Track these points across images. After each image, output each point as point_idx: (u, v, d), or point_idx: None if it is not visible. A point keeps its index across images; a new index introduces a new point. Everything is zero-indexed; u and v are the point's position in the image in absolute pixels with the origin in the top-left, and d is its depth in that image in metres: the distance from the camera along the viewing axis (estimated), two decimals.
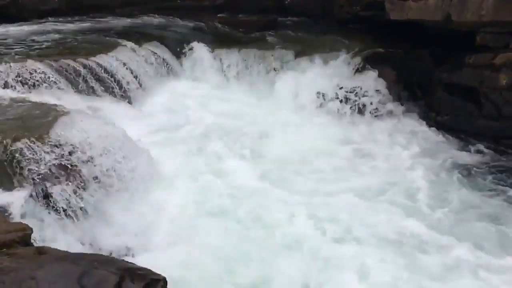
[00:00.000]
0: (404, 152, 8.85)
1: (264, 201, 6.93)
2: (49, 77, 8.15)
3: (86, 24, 11.66)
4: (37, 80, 8.01)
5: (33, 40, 9.93)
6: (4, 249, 3.60)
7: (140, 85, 9.52)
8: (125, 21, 12.09)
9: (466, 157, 8.78)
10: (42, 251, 3.65)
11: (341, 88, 10.00)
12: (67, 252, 3.86)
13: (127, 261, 3.92)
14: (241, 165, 7.88)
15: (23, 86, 7.86)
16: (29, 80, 7.95)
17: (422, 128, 9.68)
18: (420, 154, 8.79)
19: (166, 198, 6.74)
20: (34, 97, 7.54)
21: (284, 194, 7.18)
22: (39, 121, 6.30)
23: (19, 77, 7.92)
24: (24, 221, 4.52)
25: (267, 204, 6.88)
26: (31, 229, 4.02)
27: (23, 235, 3.88)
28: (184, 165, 7.56)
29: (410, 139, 9.31)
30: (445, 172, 8.23)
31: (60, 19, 12.11)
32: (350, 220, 6.61)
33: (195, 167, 7.58)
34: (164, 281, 3.37)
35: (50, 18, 12.10)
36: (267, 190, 7.28)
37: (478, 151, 8.96)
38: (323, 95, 9.98)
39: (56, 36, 10.41)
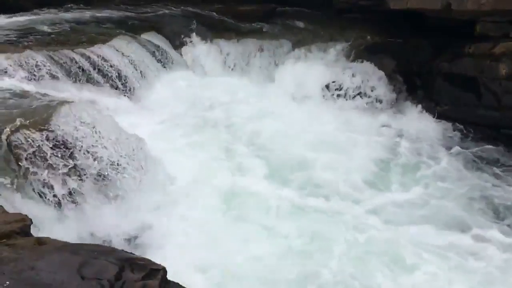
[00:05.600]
0: (403, 141, 8.84)
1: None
2: (47, 68, 8.11)
3: (84, 14, 11.58)
4: (35, 71, 7.97)
5: (31, 30, 9.86)
6: (4, 240, 3.59)
7: (140, 76, 9.47)
8: (123, 11, 12.02)
9: (465, 147, 8.78)
10: (41, 241, 3.64)
11: (340, 77, 9.98)
12: (66, 242, 3.85)
13: (127, 252, 3.92)
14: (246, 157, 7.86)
15: (21, 76, 7.81)
16: (27, 70, 7.91)
17: (421, 118, 9.65)
18: (419, 143, 8.80)
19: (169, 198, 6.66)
20: (32, 87, 7.50)
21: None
22: (38, 111, 6.27)
23: (17, 67, 7.88)
24: (24, 212, 4.51)
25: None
26: (31, 220, 4.01)
27: (23, 226, 3.87)
28: (186, 158, 7.51)
29: (409, 128, 9.29)
30: (445, 161, 8.24)
31: (58, 9, 12.04)
32: None
33: (198, 161, 7.53)
34: (163, 270, 3.37)
35: (48, 8, 12.03)
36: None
37: (478, 141, 8.96)
38: (322, 85, 9.96)
39: (54, 26, 10.33)
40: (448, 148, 8.73)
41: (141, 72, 9.53)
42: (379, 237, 6.21)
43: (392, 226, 6.49)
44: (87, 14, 11.59)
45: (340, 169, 7.67)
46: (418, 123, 9.49)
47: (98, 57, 8.95)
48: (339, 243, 6.03)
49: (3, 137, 5.50)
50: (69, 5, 12.32)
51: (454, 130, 9.28)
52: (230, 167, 7.52)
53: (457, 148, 8.70)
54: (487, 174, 7.93)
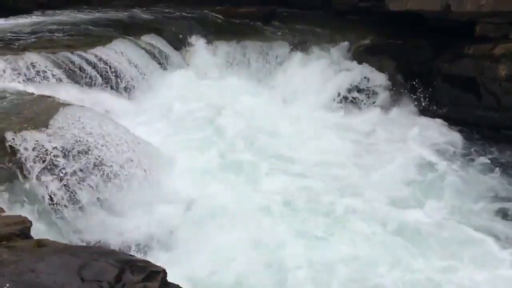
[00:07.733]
0: (404, 142, 8.83)
1: None
2: (46, 70, 8.12)
3: (83, 16, 11.61)
4: (35, 73, 7.98)
5: (30, 33, 9.86)
6: (4, 242, 3.60)
7: (140, 78, 9.48)
8: (123, 13, 12.04)
9: (464, 148, 8.77)
10: (41, 243, 3.64)
11: (340, 79, 9.99)
12: (66, 244, 3.87)
13: (127, 253, 3.93)
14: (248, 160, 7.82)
15: (20, 78, 7.82)
16: (26, 72, 7.91)
17: (421, 118, 9.65)
18: (420, 144, 8.78)
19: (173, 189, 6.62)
20: (32, 89, 7.50)
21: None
22: (38, 114, 6.27)
23: (17, 69, 7.89)
24: (24, 214, 4.51)
25: None
26: (31, 222, 4.02)
27: (23, 228, 3.87)
28: (186, 158, 7.49)
29: (410, 129, 9.28)
30: (444, 162, 8.22)
31: (58, 11, 12.06)
32: None
33: (199, 161, 7.50)
34: (163, 272, 3.37)
35: (47, 10, 12.05)
36: None
37: (478, 142, 8.94)
38: (322, 86, 9.97)
39: (54, 28, 10.35)
40: (458, 152, 8.61)
41: (141, 74, 9.54)
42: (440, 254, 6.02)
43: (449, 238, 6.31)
44: (87, 16, 11.61)
45: (353, 181, 7.52)
46: (419, 124, 9.48)
47: (98, 59, 8.95)
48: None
49: (5, 139, 5.50)
50: (69, 8, 12.34)
51: (457, 131, 9.25)
52: (232, 170, 7.50)
53: (465, 151, 8.63)
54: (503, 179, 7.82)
